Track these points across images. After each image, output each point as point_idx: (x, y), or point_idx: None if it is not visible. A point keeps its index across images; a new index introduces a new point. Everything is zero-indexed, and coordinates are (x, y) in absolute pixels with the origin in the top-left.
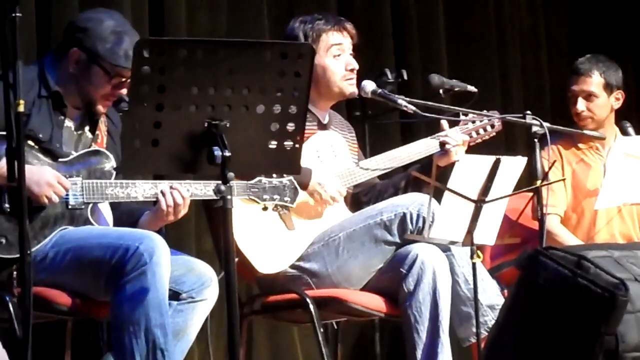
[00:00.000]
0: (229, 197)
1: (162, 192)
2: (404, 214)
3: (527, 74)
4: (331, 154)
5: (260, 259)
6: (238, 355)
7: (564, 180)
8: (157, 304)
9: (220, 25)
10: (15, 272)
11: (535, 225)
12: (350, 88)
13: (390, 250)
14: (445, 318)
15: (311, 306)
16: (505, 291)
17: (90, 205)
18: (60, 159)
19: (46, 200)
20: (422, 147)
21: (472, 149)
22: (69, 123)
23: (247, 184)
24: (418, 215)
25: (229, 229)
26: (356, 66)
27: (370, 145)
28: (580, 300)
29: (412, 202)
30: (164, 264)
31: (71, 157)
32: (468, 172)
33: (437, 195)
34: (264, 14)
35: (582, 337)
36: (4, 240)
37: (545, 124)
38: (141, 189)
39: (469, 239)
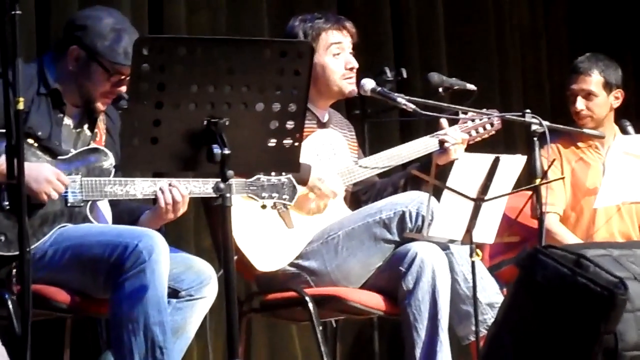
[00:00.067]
0: (228, 195)
1: (161, 189)
2: (403, 213)
3: (527, 73)
4: (330, 152)
5: (259, 257)
6: (237, 353)
7: (563, 178)
8: (156, 301)
9: (220, 24)
10: (14, 270)
11: (534, 223)
12: (350, 87)
13: (389, 248)
14: (445, 316)
15: (310, 304)
16: (505, 289)
17: (89, 203)
18: (59, 157)
19: (45, 197)
20: (421, 146)
21: (472, 148)
22: (68, 121)
23: (246, 181)
24: (417, 214)
25: (228, 227)
26: (356, 65)
27: (369, 143)
28: (579, 298)
29: (411, 201)
30: (163, 262)
31: (70, 154)
32: (467, 170)
33: (437, 193)
34: (263, 14)
35: (581, 336)
36: (3, 238)
37: (545, 123)
38: (140, 187)
39: (468, 238)
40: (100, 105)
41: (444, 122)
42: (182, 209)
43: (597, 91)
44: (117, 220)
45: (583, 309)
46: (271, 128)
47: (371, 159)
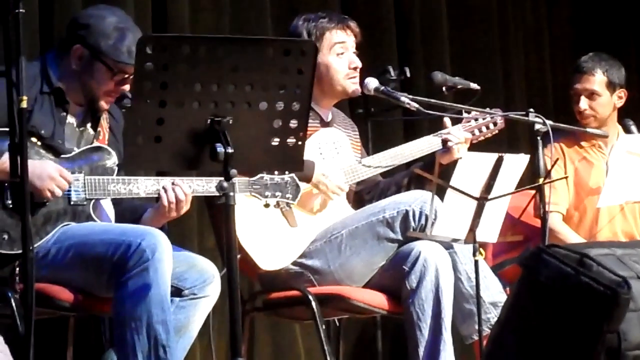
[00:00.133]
0: (231, 193)
1: (164, 188)
2: (407, 212)
3: (530, 72)
4: (333, 151)
5: (263, 256)
6: (240, 351)
7: (566, 178)
8: (159, 300)
9: (223, 25)
10: (17, 268)
11: (537, 223)
12: (353, 86)
13: (392, 247)
14: (448, 315)
15: (313, 303)
16: (508, 289)
17: (93, 202)
18: (62, 155)
19: (49, 194)
20: (424, 145)
21: (475, 147)
22: (71, 119)
23: (249, 180)
24: (420, 213)
25: (231, 226)
26: (359, 64)
27: (372, 142)
28: (582, 298)
29: (414, 200)
30: (166, 261)
31: (73, 153)
32: (471, 169)
33: (440, 192)
34: (267, 14)
35: (584, 335)
36: (6, 236)
37: (548, 122)
38: (143, 185)
39: (471, 237)
40: (103, 104)
41: (447, 121)
42: (185, 207)
43: (601, 91)
44: (119, 218)
45: (586, 308)
46: (274, 127)
47: (374, 157)
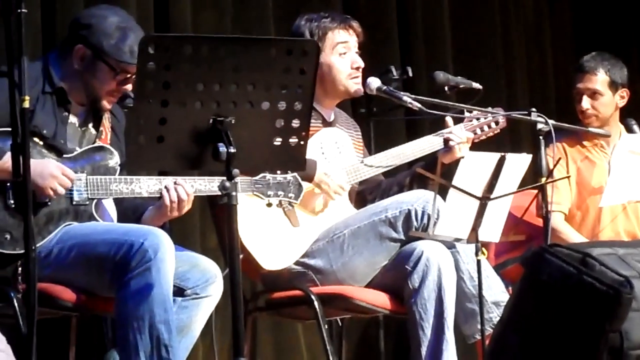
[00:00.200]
0: (233, 193)
1: (166, 187)
2: (409, 211)
3: (533, 72)
4: (335, 151)
5: (265, 256)
6: (242, 351)
7: (568, 177)
8: (161, 300)
9: (226, 24)
10: (20, 268)
11: (540, 222)
12: (355, 86)
13: (395, 247)
14: (450, 315)
15: (316, 303)
16: (510, 288)
17: (95, 201)
18: (64, 155)
19: (51, 192)
20: (426, 144)
21: (477, 146)
22: (73, 119)
23: (251, 180)
24: (423, 212)
25: (233, 226)
26: (362, 64)
27: (375, 142)
28: (585, 297)
29: (417, 199)
30: (169, 260)
31: (75, 153)
32: (473, 169)
33: (442, 192)
34: (269, 14)
35: (586, 335)
36: (8, 236)
37: (551, 122)
38: (145, 185)
39: (473, 236)
40: (106, 104)
41: (449, 120)
42: (187, 207)
43: (603, 90)
44: (121, 217)
45: (588, 308)
46: (277, 127)
47: (376, 157)
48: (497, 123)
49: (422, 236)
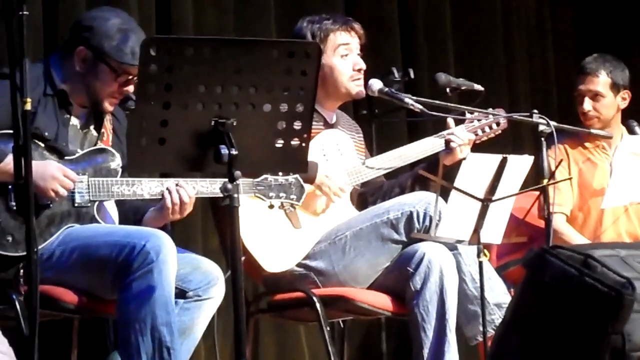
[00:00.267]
0: (235, 195)
1: (168, 190)
2: (411, 213)
3: (534, 73)
4: (337, 152)
5: (267, 258)
6: (244, 353)
7: (570, 179)
8: (163, 302)
9: (227, 25)
10: (21, 271)
11: (541, 224)
12: (357, 88)
13: (396, 249)
14: (452, 317)
15: (318, 305)
16: (512, 290)
17: (96, 203)
18: (66, 157)
19: (53, 194)
20: (427, 146)
21: (479, 148)
22: (74, 121)
23: (253, 181)
24: (425, 214)
25: (235, 228)
26: (363, 66)
27: (377, 143)
28: (586, 299)
29: (418, 201)
30: (171, 262)
31: (77, 155)
32: (475, 170)
33: (444, 194)
34: (270, 14)
35: (588, 336)
36: (10, 239)
37: (552, 123)
38: (147, 187)
39: (475, 238)
40: (108, 106)
41: (450, 122)
42: (189, 209)
43: (605, 92)
44: (122, 219)
45: (590, 310)
46: (278, 129)
47: (378, 159)
48: (498, 124)
49: (424, 238)
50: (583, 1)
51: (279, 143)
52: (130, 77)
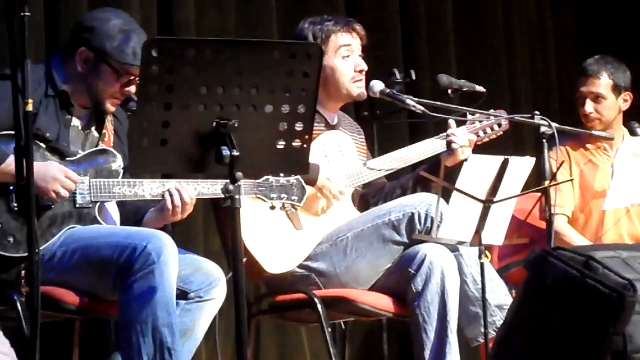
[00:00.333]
0: (236, 196)
1: (169, 191)
2: (412, 214)
3: (536, 75)
4: (338, 154)
5: (268, 259)
6: (246, 354)
7: (572, 180)
8: (164, 303)
9: (229, 25)
10: (23, 271)
11: (543, 225)
12: (358, 90)
13: (398, 250)
14: (454, 318)
15: (319, 306)
16: (513, 291)
17: (98, 204)
18: (67, 158)
19: (54, 195)
20: (428, 147)
21: (480, 149)
22: (75, 122)
23: (254, 182)
24: (426, 215)
25: (237, 229)
26: (365, 67)
27: (378, 145)
28: (588, 300)
29: (420, 202)
30: (172, 263)
31: (78, 156)
32: (476, 172)
33: (446, 195)
34: (272, 15)
35: (589, 338)
36: (11, 239)
37: (554, 125)
38: (148, 188)
39: (477, 239)
40: (109, 106)
41: (452, 123)
42: (189, 210)
43: (606, 94)
44: (123, 219)
45: (592, 311)
46: (280, 130)
47: (379, 160)
48: (499, 125)
49: (425, 239)
50: (585, 3)
51: (281, 144)
52: (132, 77)
